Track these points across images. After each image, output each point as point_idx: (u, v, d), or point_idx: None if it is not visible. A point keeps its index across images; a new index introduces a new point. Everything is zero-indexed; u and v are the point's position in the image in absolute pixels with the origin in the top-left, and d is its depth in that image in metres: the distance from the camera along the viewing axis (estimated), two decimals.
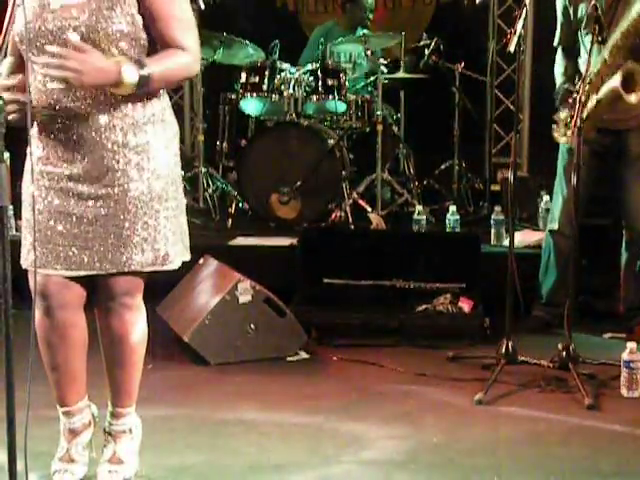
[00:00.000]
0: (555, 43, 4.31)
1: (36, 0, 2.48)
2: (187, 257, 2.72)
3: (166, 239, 2.59)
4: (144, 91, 2.48)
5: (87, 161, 2.51)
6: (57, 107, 2.48)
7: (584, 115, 4.03)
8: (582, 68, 4.08)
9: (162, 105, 2.61)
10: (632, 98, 3.88)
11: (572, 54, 4.23)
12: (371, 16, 6.56)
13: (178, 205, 2.65)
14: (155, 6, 2.50)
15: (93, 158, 2.51)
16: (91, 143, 2.50)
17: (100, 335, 2.71)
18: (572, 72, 4.22)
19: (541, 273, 4.50)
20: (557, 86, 4.27)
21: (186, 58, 2.54)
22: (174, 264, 2.65)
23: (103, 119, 2.50)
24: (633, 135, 4.18)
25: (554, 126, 4.23)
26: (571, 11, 4.18)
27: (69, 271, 2.56)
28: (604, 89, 3.92)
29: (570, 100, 4.00)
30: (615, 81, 3.89)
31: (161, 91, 2.61)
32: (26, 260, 2.59)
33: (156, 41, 2.55)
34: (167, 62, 2.51)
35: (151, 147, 2.56)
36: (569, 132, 4.12)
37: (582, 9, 4.12)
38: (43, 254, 2.54)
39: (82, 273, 2.56)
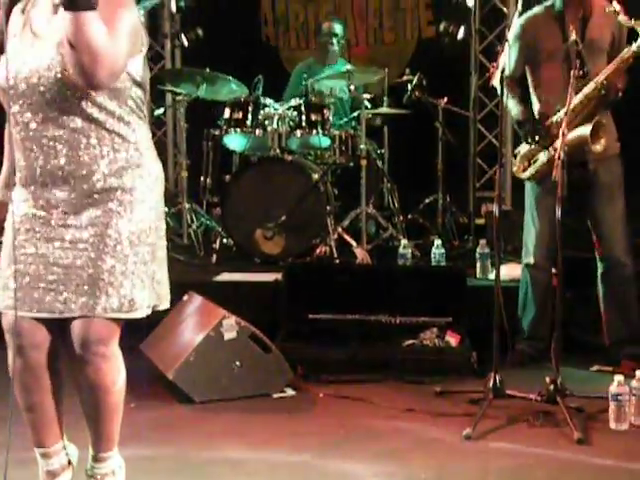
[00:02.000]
0: (508, 74, 4.18)
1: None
2: (164, 305, 2.66)
3: (133, 285, 2.53)
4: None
5: (60, 202, 2.49)
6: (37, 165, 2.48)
7: (544, 160, 4.12)
8: (535, 103, 4.19)
9: (139, 150, 2.57)
10: (597, 147, 4.05)
11: (520, 83, 4.29)
12: (336, 41, 6.55)
13: (152, 252, 2.59)
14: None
15: (69, 200, 2.49)
16: (65, 185, 2.48)
17: (77, 384, 2.65)
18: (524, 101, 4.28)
19: (520, 308, 4.50)
20: (518, 115, 4.27)
21: (106, 40, 2.32)
22: (141, 312, 2.57)
23: (85, 162, 2.49)
24: (600, 165, 4.23)
25: (513, 160, 4.28)
26: (530, 44, 4.22)
27: (38, 313, 2.51)
28: (574, 133, 4.01)
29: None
30: (586, 130, 4.00)
31: (135, 135, 2.56)
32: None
33: None
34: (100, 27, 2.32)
35: (127, 193, 2.53)
36: (532, 168, 4.18)
37: (542, 43, 4.19)
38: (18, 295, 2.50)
39: (49, 315, 2.51)
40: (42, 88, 2.44)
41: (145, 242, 2.57)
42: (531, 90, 4.35)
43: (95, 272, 2.48)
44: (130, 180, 2.54)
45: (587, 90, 4.02)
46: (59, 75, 2.42)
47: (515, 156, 4.35)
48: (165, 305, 2.67)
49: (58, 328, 2.58)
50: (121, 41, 2.39)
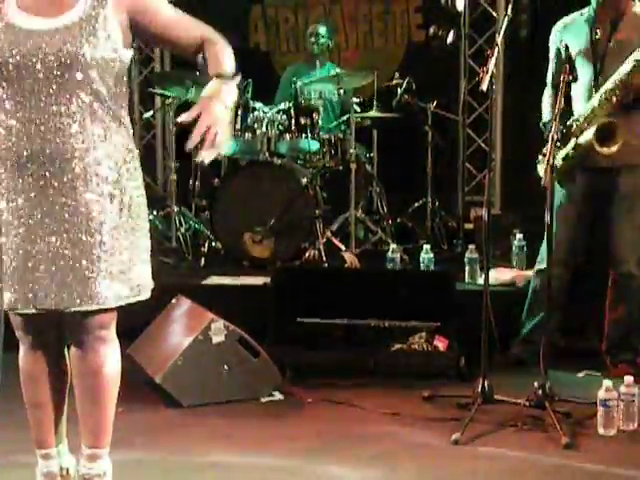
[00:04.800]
0: (549, 81, 4.32)
1: (6, 30, 2.47)
2: (152, 284, 2.70)
3: (139, 268, 2.59)
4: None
5: (58, 196, 2.49)
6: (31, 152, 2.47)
7: (562, 155, 4.10)
8: (576, 105, 4.15)
9: (128, 135, 2.61)
10: (604, 151, 3.97)
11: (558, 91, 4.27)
12: (320, 41, 6.57)
13: (146, 234, 2.65)
14: (157, 20, 2.57)
15: (65, 192, 2.48)
16: (62, 176, 2.48)
17: (73, 371, 2.67)
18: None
19: (525, 311, 4.47)
20: (546, 119, 4.27)
21: (221, 44, 2.63)
22: (147, 293, 2.64)
23: (76, 153, 2.48)
24: (622, 174, 4.17)
25: (540, 158, 4.22)
26: (562, 50, 4.22)
27: (46, 307, 2.51)
28: (583, 136, 4.03)
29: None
30: (589, 134, 3.99)
31: (124, 121, 2.59)
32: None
33: (178, 48, 2.66)
34: (224, 55, 2.61)
35: (122, 180, 2.55)
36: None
37: (571, 45, 4.18)
38: (17, 293, 2.51)
39: (58, 308, 2.52)
40: (41, 69, 2.44)
41: (143, 219, 2.62)
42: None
43: (101, 261, 2.50)
44: (124, 165, 2.56)
45: (605, 90, 4.01)
46: (63, 59, 2.44)
47: (544, 155, 4.30)
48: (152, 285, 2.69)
49: (60, 320, 2.61)
50: (191, 19, 2.64)
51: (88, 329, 2.58)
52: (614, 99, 4.01)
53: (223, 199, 5.68)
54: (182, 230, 6.05)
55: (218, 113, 2.49)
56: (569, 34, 4.22)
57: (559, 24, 4.31)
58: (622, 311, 4.32)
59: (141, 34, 2.60)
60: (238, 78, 2.59)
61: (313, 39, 6.60)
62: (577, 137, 4.07)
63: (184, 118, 2.48)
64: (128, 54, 2.57)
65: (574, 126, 4.11)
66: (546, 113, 4.32)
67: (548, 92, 4.35)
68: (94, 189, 2.50)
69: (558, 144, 4.03)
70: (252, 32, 7.81)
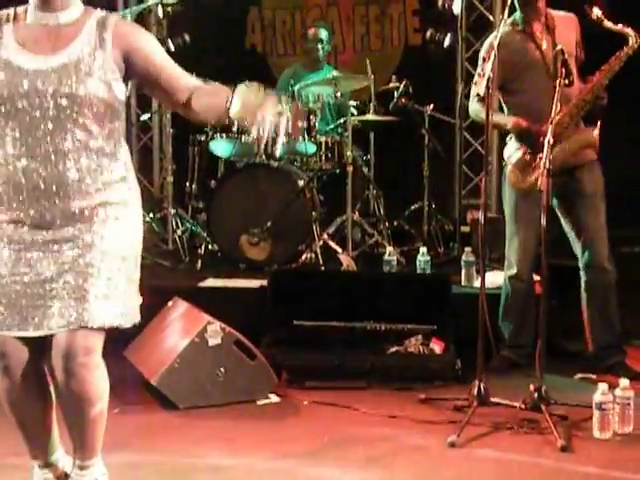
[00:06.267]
0: (482, 92, 3.89)
1: (4, 67, 2.48)
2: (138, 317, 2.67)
3: (125, 295, 2.57)
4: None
5: (57, 219, 2.50)
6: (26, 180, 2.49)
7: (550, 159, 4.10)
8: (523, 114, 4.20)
9: (125, 163, 2.63)
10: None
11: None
12: (321, 47, 6.57)
13: (137, 263, 2.64)
14: (153, 61, 2.59)
15: (62, 213, 2.50)
16: (59, 198, 2.49)
17: (58, 395, 2.64)
18: None
19: (501, 317, 4.51)
20: (510, 123, 4.24)
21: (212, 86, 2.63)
22: (132, 320, 2.60)
23: (75, 176, 2.50)
24: (585, 172, 4.26)
25: (511, 168, 4.27)
26: (505, 59, 4.05)
27: (28, 332, 2.50)
28: (577, 138, 4.10)
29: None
30: (592, 134, 4.08)
31: (121, 150, 2.61)
32: None
33: (169, 92, 2.62)
34: (220, 87, 2.60)
35: (118, 206, 2.57)
36: (530, 177, 4.16)
37: (518, 57, 4.23)
38: (12, 317, 2.51)
39: (41, 333, 2.51)
40: (37, 108, 2.46)
41: (135, 252, 2.62)
42: (505, 103, 4.40)
43: (89, 283, 2.49)
44: (119, 194, 2.58)
45: (582, 96, 4.08)
46: (58, 99, 2.46)
47: (505, 166, 4.34)
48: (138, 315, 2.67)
49: (41, 343, 2.57)
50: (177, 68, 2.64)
51: (73, 355, 2.51)
52: (585, 109, 4.10)
53: (220, 201, 5.68)
54: (179, 232, 6.05)
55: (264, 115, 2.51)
56: (512, 46, 4.20)
57: (496, 38, 3.86)
58: (601, 310, 4.34)
59: (135, 74, 2.60)
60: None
61: (318, 46, 6.57)
62: (545, 146, 3.98)
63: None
64: (124, 90, 2.59)
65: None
66: (505, 121, 4.26)
67: (476, 104, 4.29)
68: (86, 219, 2.52)
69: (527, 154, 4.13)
70: (249, 34, 7.81)
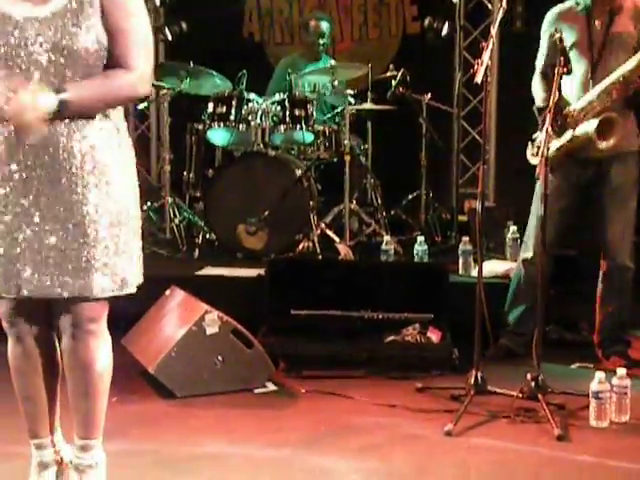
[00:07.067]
0: (539, 67, 4.28)
1: None
2: (140, 280, 2.68)
3: (125, 263, 2.58)
4: (64, 115, 2.44)
5: (45, 185, 2.49)
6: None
7: (557, 146, 4.09)
8: (570, 93, 4.12)
9: (117, 127, 2.60)
10: (603, 145, 3.99)
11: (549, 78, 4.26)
12: (322, 41, 6.55)
13: (134, 229, 2.64)
14: (109, 19, 2.50)
15: (51, 182, 2.49)
16: (48, 166, 2.49)
17: (64, 364, 2.67)
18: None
19: (508, 301, 4.49)
20: (539, 105, 4.24)
21: (127, 79, 2.51)
22: (132, 288, 2.63)
23: (62, 141, 2.49)
24: (614, 165, 4.17)
25: (530, 144, 4.23)
26: (557, 39, 4.16)
27: (31, 294, 2.51)
28: (581, 129, 4.03)
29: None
30: (591, 126, 3.99)
31: (111, 113, 2.58)
32: None
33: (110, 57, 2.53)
34: (96, 85, 2.49)
35: (109, 170, 2.54)
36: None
37: (567, 35, 4.11)
38: (1, 278, 2.52)
39: (43, 296, 2.52)
40: (26, 60, 2.45)
41: (133, 216, 2.62)
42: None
43: (87, 252, 2.50)
44: (113, 158, 2.56)
45: (606, 84, 4.01)
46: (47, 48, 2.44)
47: (532, 141, 4.28)
48: (140, 280, 2.67)
49: (49, 311, 2.62)
50: (144, 42, 2.55)
51: (78, 322, 2.58)
52: (614, 93, 4.01)
53: (217, 190, 5.68)
54: (176, 221, 6.04)
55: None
56: (564, 23, 4.18)
57: (554, 12, 4.27)
58: (615, 303, 4.32)
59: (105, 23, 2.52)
60: (64, 115, 2.45)
61: (317, 38, 6.53)
62: (573, 129, 4.07)
63: None
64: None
65: (569, 117, 4.10)
66: (538, 99, 4.28)
67: (537, 78, 4.32)
68: (80, 180, 2.50)
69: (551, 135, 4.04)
70: (246, 22, 7.78)
